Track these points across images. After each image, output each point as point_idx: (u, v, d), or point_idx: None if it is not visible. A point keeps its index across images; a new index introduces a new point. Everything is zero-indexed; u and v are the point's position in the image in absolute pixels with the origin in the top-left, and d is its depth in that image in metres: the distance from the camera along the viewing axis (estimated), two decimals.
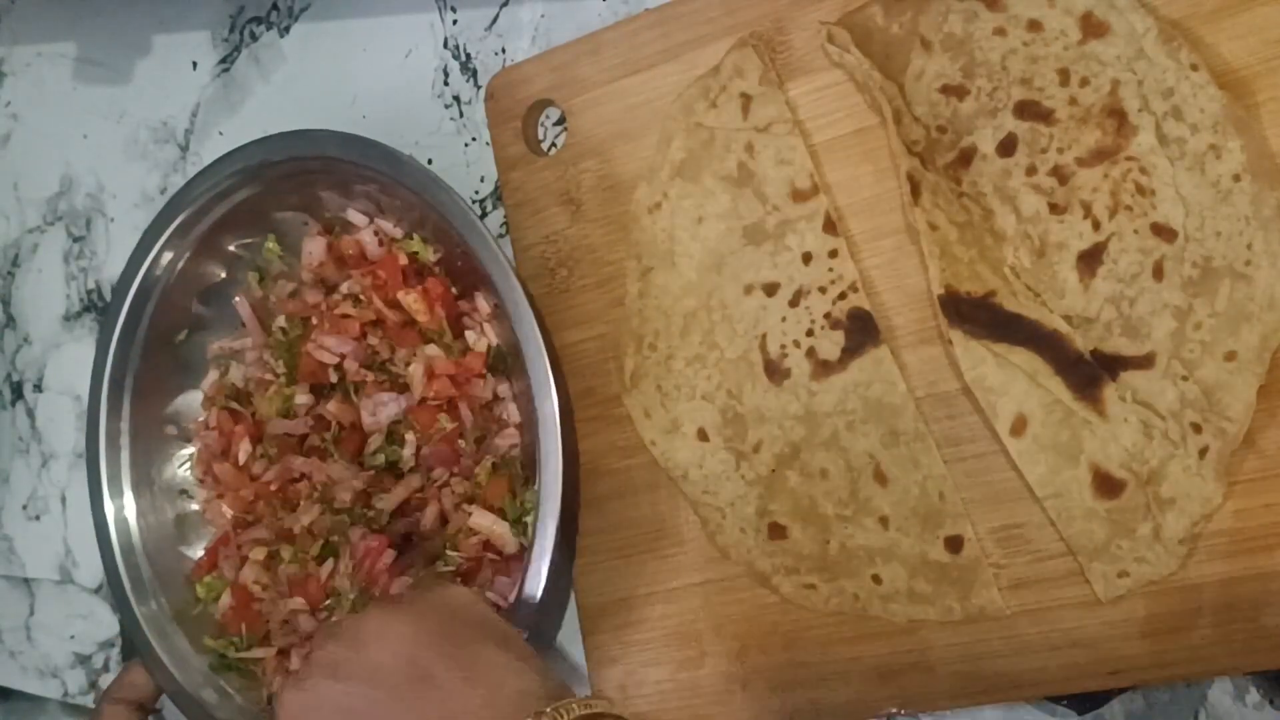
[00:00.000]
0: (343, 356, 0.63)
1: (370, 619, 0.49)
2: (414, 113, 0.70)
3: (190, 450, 0.70)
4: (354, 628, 0.49)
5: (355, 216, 0.65)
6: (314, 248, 0.65)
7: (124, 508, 0.66)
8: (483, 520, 0.59)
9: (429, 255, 0.63)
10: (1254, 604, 0.47)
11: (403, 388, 0.62)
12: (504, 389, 0.62)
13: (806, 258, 0.55)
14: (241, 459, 0.66)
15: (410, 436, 0.61)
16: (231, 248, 0.68)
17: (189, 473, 0.69)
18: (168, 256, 0.66)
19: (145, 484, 0.67)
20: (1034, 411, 0.50)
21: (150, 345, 0.67)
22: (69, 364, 0.84)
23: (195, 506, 0.69)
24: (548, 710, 0.43)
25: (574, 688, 0.58)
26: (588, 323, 0.61)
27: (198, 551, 0.68)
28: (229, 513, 0.67)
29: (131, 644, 0.67)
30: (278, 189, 0.64)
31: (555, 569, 0.55)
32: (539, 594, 0.54)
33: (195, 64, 0.79)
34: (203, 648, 0.64)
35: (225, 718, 0.62)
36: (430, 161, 0.69)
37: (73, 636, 0.82)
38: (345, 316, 0.63)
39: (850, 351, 0.54)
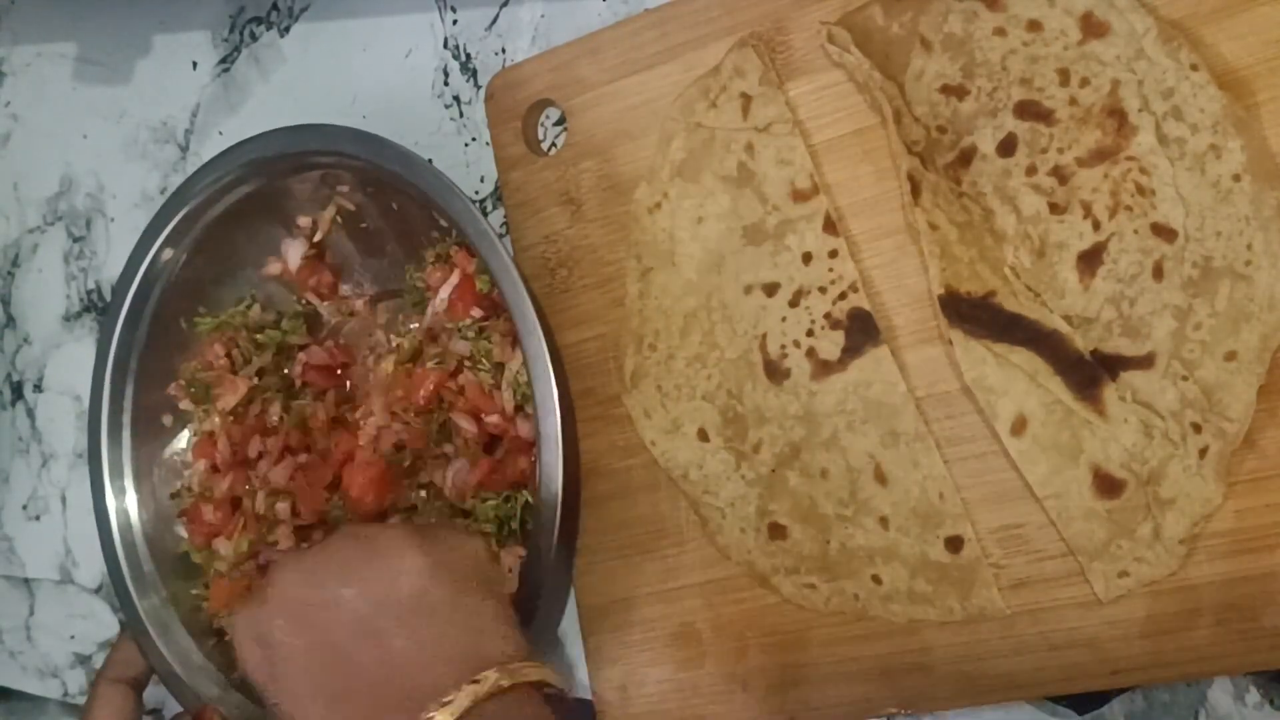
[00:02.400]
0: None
1: (393, 536, 0.49)
2: (414, 113, 0.70)
3: (187, 433, 0.69)
4: (373, 538, 0.49)
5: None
6: (292, 251, 0.66)
7: (125, 498, 0.66)
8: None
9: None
10: (1254, 604, 0.47)
11: None
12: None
13: (806, 258, 0.55)
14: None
15: None
16: (236, 240, 0.67)
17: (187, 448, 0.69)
18: (171, 248, 0.66)
19: (145, 471, 0.67)
20: (1034, 411, 0.50)
21: (153, 331, 0.67)
22: (69, 364, 0.84)
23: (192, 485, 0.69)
24: (492, 673, 0.45)
25: (575, 688, 0.58)
26: (588, 323, 0.61)
27: None
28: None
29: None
30: (283, 183, 0.64)
31: (555, 569, 0.55)
32: (539, 595, 0.54)
33: (195, 64, 0.79)
34: (199, 634, 0.65)
35: (224, 709, 0.62)
36: (430, 162, 0.69)
37: (73, 636, 0.82)
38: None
39: (850, 351, 0.54)
